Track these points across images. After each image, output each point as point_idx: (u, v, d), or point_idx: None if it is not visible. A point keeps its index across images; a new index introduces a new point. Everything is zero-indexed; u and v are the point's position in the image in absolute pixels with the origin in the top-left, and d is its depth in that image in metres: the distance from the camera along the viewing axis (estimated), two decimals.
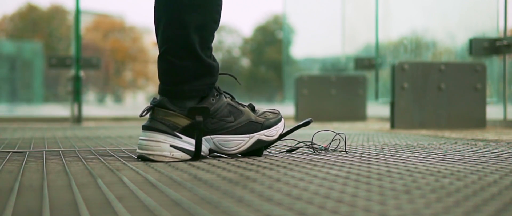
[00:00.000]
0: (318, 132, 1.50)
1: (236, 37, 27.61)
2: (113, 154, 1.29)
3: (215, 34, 1.20)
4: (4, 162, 1.12)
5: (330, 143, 1.32)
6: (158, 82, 1.20)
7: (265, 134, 1.21)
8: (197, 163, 1.07)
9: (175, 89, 1.15)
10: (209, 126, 1.15)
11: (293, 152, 1.29)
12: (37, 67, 13.44)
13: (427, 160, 1.11)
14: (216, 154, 1.21)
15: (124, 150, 1.38)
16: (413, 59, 3.27)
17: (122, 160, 1.14)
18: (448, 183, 0.79)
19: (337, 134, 1.34)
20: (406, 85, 2.64)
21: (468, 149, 1.38)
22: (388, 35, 3.59)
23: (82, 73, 3.88)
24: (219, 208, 0.62)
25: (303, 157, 1.19)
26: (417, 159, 1.14)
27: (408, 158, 1.16)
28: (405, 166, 1.00)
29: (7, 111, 8.24)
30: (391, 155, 1.22)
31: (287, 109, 4.61)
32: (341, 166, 1.02)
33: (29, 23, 24.79)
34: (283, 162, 1.09)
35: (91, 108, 9.89)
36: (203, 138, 1.14)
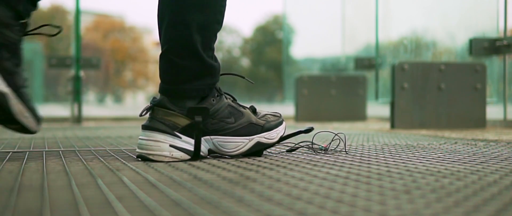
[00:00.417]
0: (318, 132, 1.50)
1: (236, 37, 27.61)
2: (113, 154, 1.29)
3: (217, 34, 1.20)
4: (4, 162, 1.12)
5: (330, 143, 1.32)
6: (158, 82, 1.20)
7: (265, 136, 1.21)
8: (197, 163, 1.07)
9: (175, 88, 1.15)
10: (209, 127, 1.15)
11: (293, 152, 1.29)
12: (37, 67, 13.44)
13: (427, 160, 1.11)
14: (215, 154, 1.21)
15: (124, 150, 1.38)
16: (413, 59, 3.27)
17: (122, 160, 1.14)
18: (448, 183, 0.79)
19: (336, 134, 1.34)
20: (406, 85, 2.64)
21: (468, 149, 1.38)
22: (388, 35, 3.59)
23: (82, 73, 3.89)
24: (219, 208, 0.62)
25: (303, 157, 1.19)
26: (417, 159, 1.14)
27: (408, 158, 1.16)
28: (405, 166, 1.00)
29: None
30: (391, 155, 1.22)
31: (287, 109, 4.61)
32: (341, 166, 1.02)
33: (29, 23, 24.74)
34: (283, 162, 1.09)
35: (91, 108, 9.89)
36: (202, 139, 1.14)
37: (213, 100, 1.16)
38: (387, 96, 2.89)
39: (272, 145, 1.23)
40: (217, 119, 1.16)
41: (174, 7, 1.14)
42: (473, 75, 2.70)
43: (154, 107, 1.14)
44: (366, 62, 4.29)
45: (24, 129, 1.17)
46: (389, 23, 3.53)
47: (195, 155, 1.13)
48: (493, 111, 2.92)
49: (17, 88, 1.16)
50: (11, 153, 1.33)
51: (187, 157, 1.12)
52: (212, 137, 1.16)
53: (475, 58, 2.93)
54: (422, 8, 3.58)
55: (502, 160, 1.11)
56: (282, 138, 1.26)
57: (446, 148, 1.41)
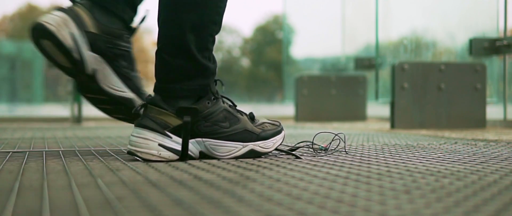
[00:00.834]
0: (318, 133, 1.50)
1: (236, 37, 27.60)
2: (113, 154, 1.29)
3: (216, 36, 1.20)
4: (4, 162, 1.12)
5: (330, 143, 1.32)
6: None
7: (260, 145, 1.19)
8: (197, 163, 1.07)
9: (167, 87, 1.14)
10: (201, 129, 1.14)
11: (293, 152, 1.29)
12: (37, 67, 13.43)
13: (427, 160, 1.11)
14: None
15: (124, 150, 1.38)
16: (413, 59, 3.28)
17: (122, 160, 1.14)
18: (448, 183, 0.79)
19: (336, 134, 1.34)
20: (406, 85, 2.64)
21: (468, 149, 1.38)
22: (388, 35, 3.59)
23: None
24: (219, 208, 0.62)
25: (303, 157, 1.18)
26: (417, 159, 1.14)
27: (408, 158, 1.16)
28: (405, 166, 1.00)
29: (7, 111, 8.24)
30: (391, 155, 1.22)
31: (287, 109, 4.61)
32: (341, 166, 1.02)
33: (29, 23, 24.77)
34: (283, 162, 1.09)
35: (91, 108, 9.90)
36: (194, 141, 1.14)
37: (208, 103, 1.15)
38: (387, 96, 2.89)
39: (267, 154, 1.22)
40: (210, 122, 1.15)
41: (169, 5, 1.14)
42: (473, 75, 2.70)
43: (147, 105, 1.14)
44: (366, 62, 4.29)
45: None
46: (389, 23, 3.53)
47: (183, 155, 1.12)
48: (493, 111, 2.92)
49: (138, 91, 1.30)
50: (11, 153, 1.33)
51: (176, 157, 1.12)
52: (204, 139, 1.15)
53: (475, 58, 2.93)
54: (422, 8, 3.58)
55: (502, 160, 1.11)
56: (278, 149, 1.25)
57: (446, 148, 1.41)
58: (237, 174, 0.91)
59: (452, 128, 2.64)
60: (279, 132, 1.23)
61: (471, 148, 1.43)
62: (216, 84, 1.19)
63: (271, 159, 1.15)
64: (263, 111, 7.88)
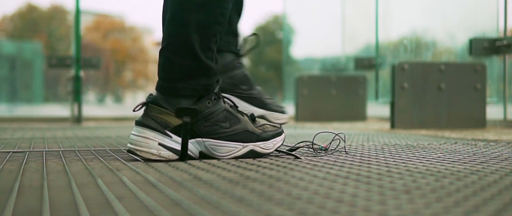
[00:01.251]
0: (318, 133, 1.50)
1: None
2: (113, 154, 1.29)
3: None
4: (4, 162, 1.12)
5: (330, 143, 1.32)
6: None
7: (260, 146, 1.19)
8: (197, 163, 1.07)
9: (169, 85, 1.15)
10: (201, 129, 1.14)
11: (293, 152, 1.29)
12: (37, 67, 13.44)
13: (427, 160, 1.11)
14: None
15: (124, 150, 1.38)
16: (413, 59, 3.27)
17: (122, 160, 1.14)
18: (448, 183, 0.79)
19: (336, 134, 1.34)
20: (406, 85, 2.64)
21: (468, 149, 1.38)
22: (388, 35, 3.59)
23: (82, 73, 3.89)
24: (219, 208, 0.62)
25: (303, 157, 1.18)
26: (417, 159, 1.14)
27: (408, 158, 1.16)
28: (405, 166, 1.00)
29: (7, 111, 8.24)
30: (391, 155, 1.22)
31: (287, 109, 4.60)
32: (341, 166, 1.02)
33: (29, 23, 24.79)
34: (283, 162, 1.09)
35: (91, 108, 9.90)
36: (194, 140, 1.14)
37: (209, 103, 1.15)
38: (387, 96, 2.89)
39: (267, 155, 1.22)
40: (210, 122, 1.15)
41: (175, 5, 1.15)
42: (473, 75, 2.70)
43: (148, 103, 1.14)
44: (366, 62, 4.29)
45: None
46: (389, 23, 3.53)
47: (182, 155, 1.12)
48: (493, 111, 2.92)
49: (264, 104, 1.39)
50: (11, 153, 1.33)
51: (175, 157, 1.12)
52: (204, 139, 1.15)
53: (475, 58, 2.93)
54: (422, 8, 3.58)
55: (502, 160, 1.11)
56: (278, 150, 1.25)
57: (446, 148, 1.41)
58: (237, 174, 0.91)
59: (452, 128, 2.64)
60: (279, 134, 1.23)
61: (471, 148, 1.43)
62: (218, 84, 1.20)
63: (271, 159, 1.15)
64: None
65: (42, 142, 1.74)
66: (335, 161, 1.10)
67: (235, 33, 1.41)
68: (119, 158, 1.18)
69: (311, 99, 3.92)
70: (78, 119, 3.79)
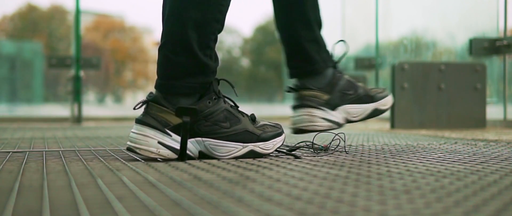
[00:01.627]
0: (318, 133, 1.50)
1: (236, 37, 27.61)
2: (113, 154, 1.29)
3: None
4: (4, 162, 1.12)
5: (330, 143, 1.32)
6: None
7: (260, 146, 1.19)
8: (197, 163, 1.07)
9: (167, 83, 1.15)
10: (201, 128, 1.14)
11: (293, 152, 1.29)
12: (37, 67, 13.43)
13: (427, 160, 1.11)
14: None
15: (124, 150, 1.38)
16: (413, 59, 3.27)
17: (122, 160, 1.14)
18: (448, 183, 0.79)
19: (336, 134, 1.34)
20: (406, 85, 2.64)
21: (468, 149, 1.38)
22: (388, 35, 3.59)
23: (82, 73, 3.89)
24: (219, 208, 0.62)
25: (303, 157, 1.18)
26: (417, 159, 1.14)
27: (408, 158, 1.16)
28: (405, 166, 1.00)
29: (7, 111, 8.24)
30: (391, 155, 1.22)
31: (287, 109, 4.60)
32: (341, 166, 1.02)
33: (29, 23, 24.79)
34: (283, 162, 1.09)
35: (91, 108, 9.90)
36: (194, 140, 1.14)
37: (209, 102, 1.15)
38: None
39: (267, 155, 1.22)
40: (210, 122, 1.15)
41: (173, 2, 1.15)
42: (473, 75, 2.70)
43: (149, 102, 1.14)
44: (366, 62, 4.29)
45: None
46: (389, 23, 3.53)
47: (181, 154, 1.12)
48: (493, 111, 2.92)
49: (371, 98, 1.45)
50: (11, 153, 1.33)
51: (175, 156, 1.12)
52: (204, 139, 1.15)
53: (475, 58, 2.93)
54: (422, 8, 3.58)
55: (502, 160, 1.11)
56: (278, 150, 1.25)
57: (446, 148, 1.41)
58: (237, 174, 0.91)
59: (452, 128, 2.64)
60: (279, 134, 1.22)
61: (471, 148, 1.43)
62: (218, 84, 1.20)
63: (271, 159, 1.15)
64: (263, 111, 7.87)
65: (42, 142, 1.74)
66: (335, 161, 1.10)
67: (326, 49, 1.45)
68: (119, 158, 1.18)
69: None
70: (78, 119, 3.80)
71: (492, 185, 0.78)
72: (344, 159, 1.14)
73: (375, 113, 1.46)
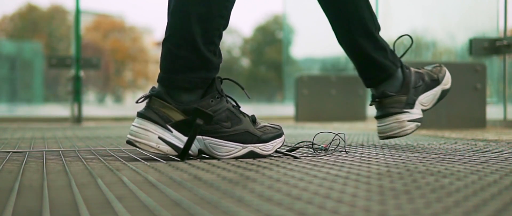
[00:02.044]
0: (318, 133, 1.50)
1: (236, 37, 27.62)
2: (113, 154, 1.29)
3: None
4: (4, 162, 1.12)
5: (330, 143, 1.32)
6: None
7: (260, 147, 1.18)
8: (197, 163, 1.07)
9: (169, 77, 1.15)
10: (202, 127, 1.14)
11: (293, 152, 1.29)
12: (37, 67, 13.44)
13: (427, 160, 1.11)
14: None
15: (124, 150, 1.38)
16: (413, 59, 3.27)
17: (122, 160, 1.14)
18: (448, 183, 0.79)
19: (336, 134, 1.34)
20: None
21: (468, 149, 1.38)
22: (388, 35, 3.59)
23: (82, 73, 3.89)
24: (219, 208, 0.62)
25: (303, 157, 1.18)
26: (417, 159, 1.14)
27: (408, 158, 1.16)
28: (405, 166, 1.00)
29: (7, 111, 8.25)
30: (391, 155, 1.22)
31: (287, 109, 4.61)
32: (341, 166, 1.02)
33: (29, 23, 24.79)
34: (283, 162, 1.09)
35: (91, 108, 9.90)
36: None
37: (212, 101, 1.15)
38: None
39: (267, 156, 1.22)
40: (212, 121, 1.15)
41: None
42: (473, 75, 2.70)
43: (152, 96, 1.14)
44: None
45: None
46: (389, 23, 3.53)
47: (183, 153, 1.12)
48: (493, 111, 2.92)
49: (430, 84, 1.48)
50: (11, 153, 1.33)
51: (174, 152, 1.12)
52: (204, 137, 1.15)
53: (475, 58, 2.93)
54: (422, 8, 3.58)
55: (502, 160, 1.11)
56: (278, 151, 1.25)
57: (446, 148, 1.41)
58: (237, 174, 0.91)
59: (452, 128, 2.64)
60: (279, 136, 1.22)
61: (471, 148, 1.43)
62: (221, 83, 1.20)
63: (271, 159, 1.15)
64: (263, 111, 7.88)
65: (42, 142, 1.74)
66: (335, 161, 1.10)
67: (391, 50, 1.47)
68: (119, 158, 1.18)
69: (311, 99, 3.92)
70: (78, 119, 3.80)
71: (492, 185, 0.78)
72: (344, 159, 1.14)
73: (443, 94, 1.49)
